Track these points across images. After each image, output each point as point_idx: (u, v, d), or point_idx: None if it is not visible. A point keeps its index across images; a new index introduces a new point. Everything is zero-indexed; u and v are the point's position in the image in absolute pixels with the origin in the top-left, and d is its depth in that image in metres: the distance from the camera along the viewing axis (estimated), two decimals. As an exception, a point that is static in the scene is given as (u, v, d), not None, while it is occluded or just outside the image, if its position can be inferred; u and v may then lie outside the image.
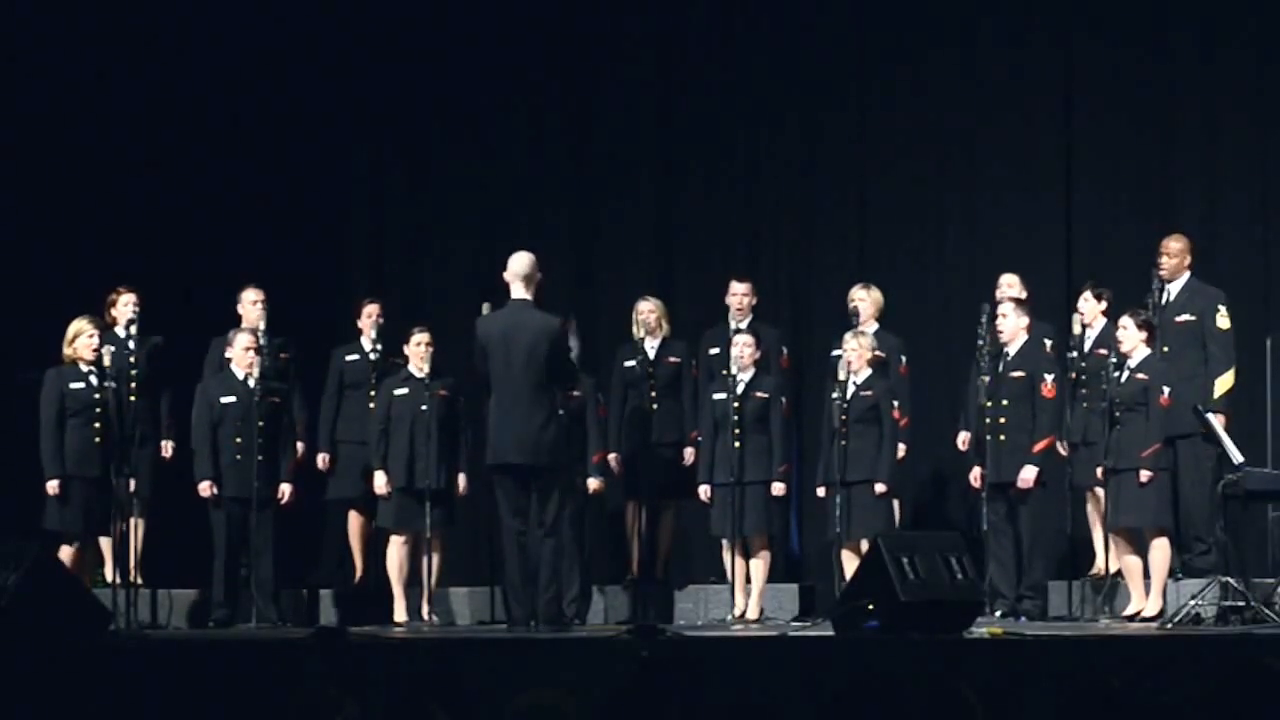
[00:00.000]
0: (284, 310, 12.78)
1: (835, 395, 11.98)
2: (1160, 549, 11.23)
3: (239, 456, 12.03)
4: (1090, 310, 12.02)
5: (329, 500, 13.01)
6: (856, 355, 11.98)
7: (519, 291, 11.07)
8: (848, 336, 12.09)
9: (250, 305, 12.65)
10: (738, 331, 12.47)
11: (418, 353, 12.24)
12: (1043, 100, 13.43)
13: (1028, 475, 11.63)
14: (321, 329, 13.40)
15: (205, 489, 12.06)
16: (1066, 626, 11.17)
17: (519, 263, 11.10)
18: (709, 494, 12.27)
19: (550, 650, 9.87)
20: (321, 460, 12.77)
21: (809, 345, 13.48)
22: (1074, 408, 11.79)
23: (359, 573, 12.88)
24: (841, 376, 11.97)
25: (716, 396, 12.26)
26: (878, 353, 12.20)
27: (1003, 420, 11.68)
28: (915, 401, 12.58)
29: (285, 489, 12.12)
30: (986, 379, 11.76)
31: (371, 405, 12.53)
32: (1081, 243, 13.23)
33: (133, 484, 11.85)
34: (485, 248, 13.85)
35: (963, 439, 12.20)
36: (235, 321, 12.59)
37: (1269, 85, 12.96)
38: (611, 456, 12.65)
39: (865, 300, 12.49)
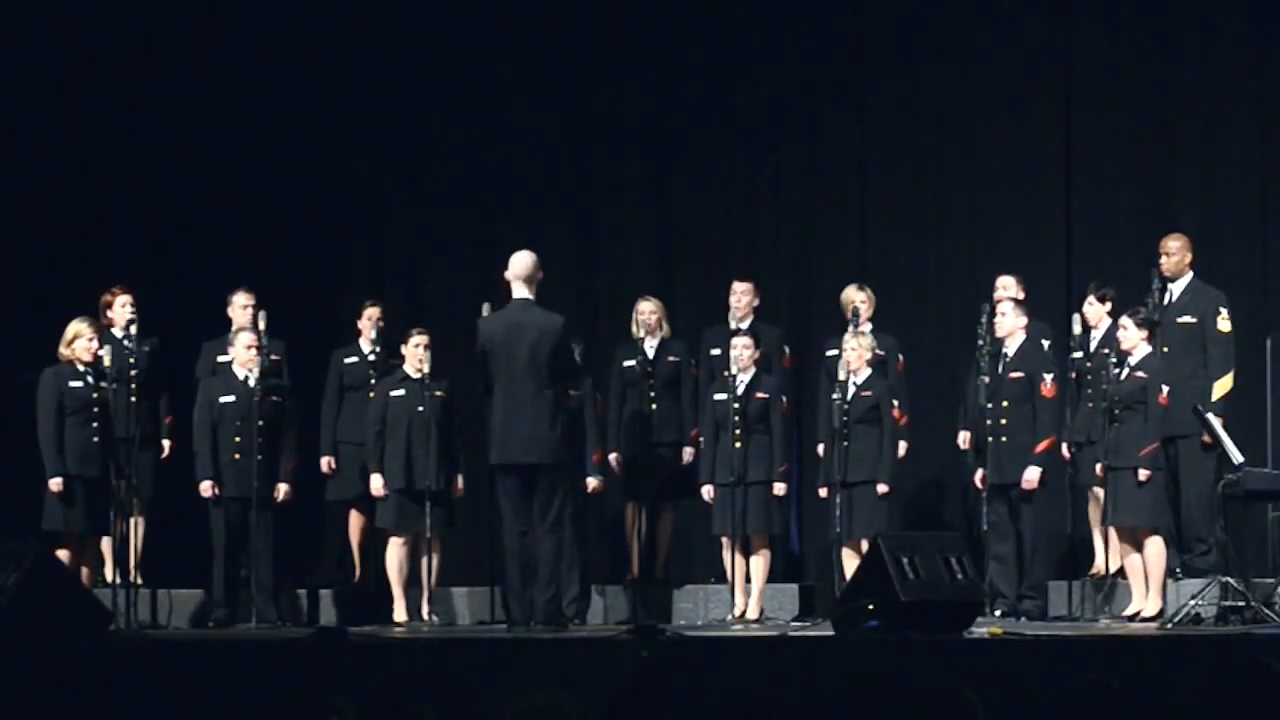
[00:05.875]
0: (283, 313, 12.76)
1: (835, 396, 11.98)
2: (1154, 548, 11.23)
3: (238, 456, 12.04)
4: (1095, 314, 12.03)
5: (329, 500, 13.01)
6: (856, 355, 11.99)
7: (520, 291, 11.08)
8: (847, 336, 12.09)
9: (240, 310, 12.65)
10: (736, 333, 12.46)
11: (415, 354, 12.24)
12: (1043, 100, 13.42)
13: (1031, 476, 11.63)
14: (321, 332, 13.41)
15: (206, 489, 12.06)
16: (1066, 626, 11.17)
17: (520, 263, 11.10)
18: (712, 494, 12.27)
19: (550, 650, 9.87)
20: (326, 464, 12.77)
21: (809, 345, 13.47)
22: (1077, 408, 11.80)
23: (359, 573, 12.89)
24: (841, 376, 11.97)
25: (717, 397, 12.26)
26: (878, 352, 12.21)
27: (1003, 421, 11.68)
28: (915, 402, 12.58)
29: (283, 488, 12.11)
30: (986, 380, 11.76)
31: (371, 407, 12.54)
32: (1081, 243, 13.23)
33: (133, 484, 11.86)
34: (485, 248, 13.85)
35: (963, 438, 12.20)
36: (229, 324, 12.59)
37: (1269, 85, 12.96)
38: (612, 455, 12.65)
39: (865, 301, 12.49)
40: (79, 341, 11.76)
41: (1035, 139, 13.43)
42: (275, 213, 14.01)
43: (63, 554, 11.45)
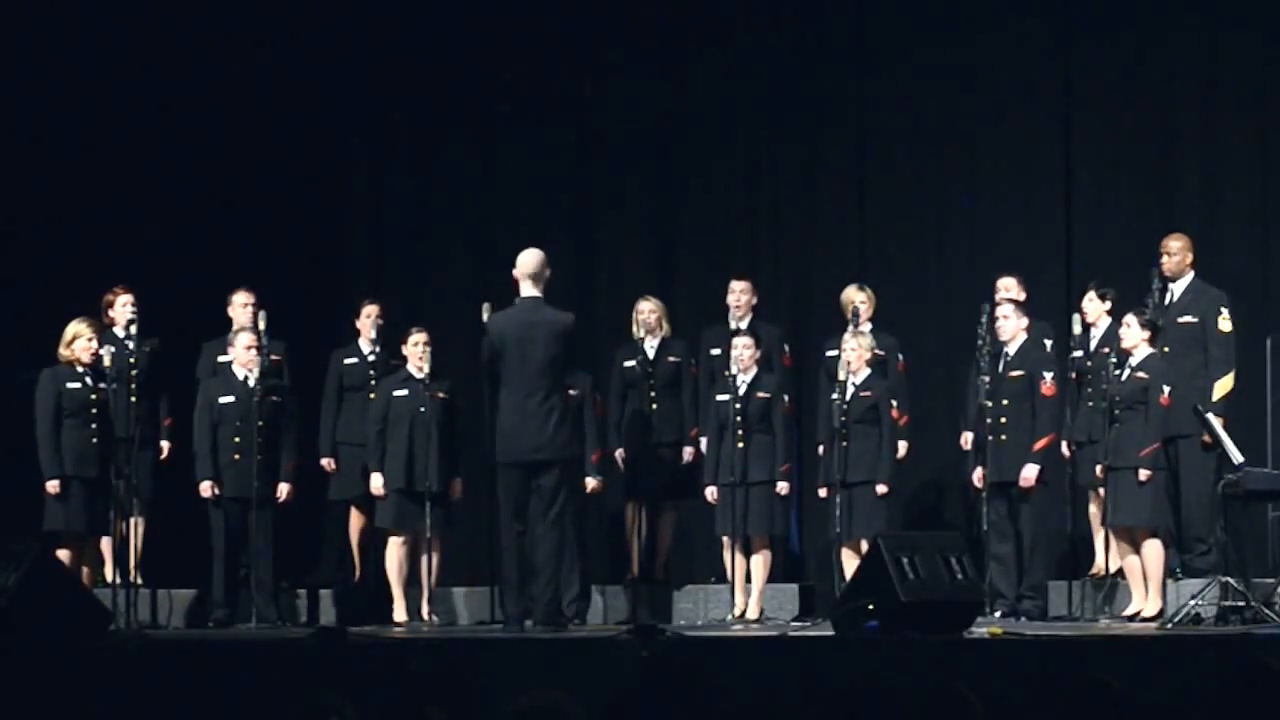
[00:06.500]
0: (282, 312, 12.76)
1: (835, 396, 11.98)
2: (1152, 549, 11.23)
3: (238, 456, 12.04)
4: (1094, 310, 12.03)
5: (330, 500, 13.01)
6: (856, 355, 11.99)
7: (529, 289, 11.05)
8: (847, 336, 12.09)
9: (240, 309, 12.65)
10: (736, 333, 12.46)
11: (415, 353, 12.24)
12: (1043, 100, 13.42)
13: (1029, 474, 11.63)
14: (320, 331, 13.40)
15: (206, 489, 12.06)
16: (1066, 626, 11.17)
17: (529, 261, 11.07)
18: (715, 495, 12.26)
19: (550, 650, 9.87)
20: (327, 464, 12.78)
21: (809, 345, 13.47)
22: (1077, 407, 11.80)
23: (359, 573, 12.89)
24: (841, 376, 11.97)
25: (720, 398, 12.26)
26: (877, 351, 12.21)
27: (1003, 420, 11.68)
28: (915, 401, 12.59)
29: (284, 488, 12.12)
30: (986, 379, 11.76)
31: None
32: (1081, 243, 13.22)
33: (132, 484, 11.86)
34: (485, 248, 13.86)
35: (965, 439, 12.20)
36: (229, 324, 12.59)
37: (1269, 85, 12.95)
38: (617, 453, 12.65)
39: (865, 301, 12.48)
40: (78, 342, 11.76)
41: (1035, 139, 13.43)
42: (275, 213, 14.01)
43: (63, 554, 11.45)
